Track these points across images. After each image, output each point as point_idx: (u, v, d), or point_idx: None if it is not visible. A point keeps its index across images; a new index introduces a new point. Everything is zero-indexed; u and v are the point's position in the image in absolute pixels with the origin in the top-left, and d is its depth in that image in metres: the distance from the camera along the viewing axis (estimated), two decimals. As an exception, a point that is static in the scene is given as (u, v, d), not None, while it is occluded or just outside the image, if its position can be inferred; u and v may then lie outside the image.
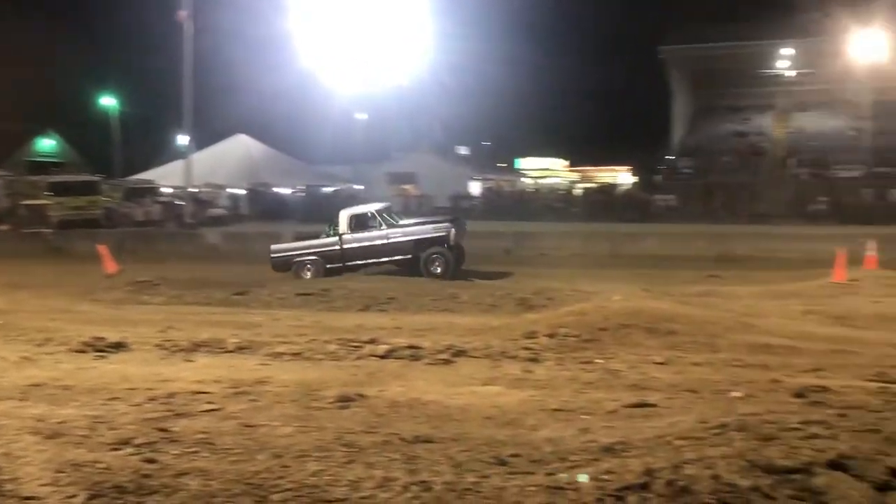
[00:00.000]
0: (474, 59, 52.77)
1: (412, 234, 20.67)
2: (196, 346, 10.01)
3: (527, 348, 9.58)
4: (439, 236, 20.48)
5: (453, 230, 20.54)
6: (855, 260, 18.95)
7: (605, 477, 4.49)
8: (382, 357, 9.29)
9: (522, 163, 78.38)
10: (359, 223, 20.78)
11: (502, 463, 5.03)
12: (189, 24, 37.28)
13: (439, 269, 19.91)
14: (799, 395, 6.77)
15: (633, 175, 70.34)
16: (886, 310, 13.94)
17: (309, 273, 20.35)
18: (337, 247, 20.59)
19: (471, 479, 4.68)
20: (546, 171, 77.64)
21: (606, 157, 76.20)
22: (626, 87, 70.86)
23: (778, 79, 58.90)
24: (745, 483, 4.10)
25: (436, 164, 60.84)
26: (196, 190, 43.66)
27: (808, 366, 8.62)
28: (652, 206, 46.59)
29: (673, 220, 39.87)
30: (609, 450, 5.15)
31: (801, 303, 14.98)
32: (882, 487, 4.24)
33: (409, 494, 4.46)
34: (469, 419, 6.36)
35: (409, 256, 20.29)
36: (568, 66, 65.46)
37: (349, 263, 20.42)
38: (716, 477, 4.18)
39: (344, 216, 21.01)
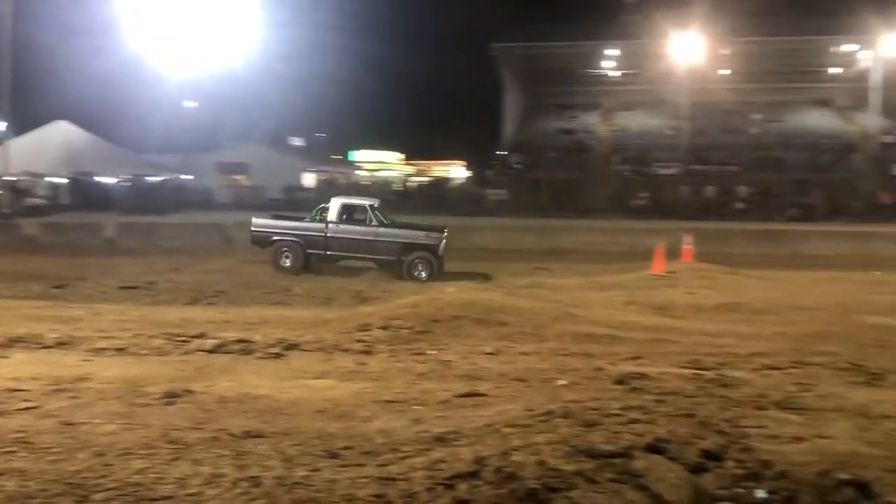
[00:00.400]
0: (308, 49, 52.40)
1: (402, 238, 20.06)
2: (11, 342, 9.46)
3: (360, 341, 9.58)
4: (430, 244, 19.89)
5: (444, 241, 20.01)
6: (673, 253, 19.92)
7: (437, 466, 4.54)
8: (211, 352, 9.06)
9: (357, 155, 78.17)
10: (350, 215, 20.25)
11: (334, 456, 5.01)
12: (5, 4, 35.30)
13: (424, 274, 19.45)
14: (620, 381, 7.05)
15: (467, 169, 71.48)
16: (700, 300, 14.78)
17: (287, 261, 19.87)
18: (322, 234, 19.97)
19: (301, 472, 4.65)
20: (381, 163, 77.78)
21: (441, 151, 77.04)
22: (460, 83, 71.95)
23: (603, 79, 61.19)
24: (569, 468, 4.24)
25: (268, 154, 59.91)
26: (13, 178, 41.41)
27: (629, 354, 8.99)
28: (484, 200, 47.45)
29: (504, 214, 40.76)
30: (441, 439, 5.22)
31: (623, 294, 15.67)
32: (696, 469, 4.51)
33: (238, 490, 4.39)
34: (300, 413, 6.30)
35: (394, 258, 19.75)
36: (403, 59, 65.90)
37: (330, 253, 19.97)
38: (541, 463, 4.31)
39: (336, 204, 20.31)
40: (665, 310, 13.77)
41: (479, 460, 4.45)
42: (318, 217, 20.56)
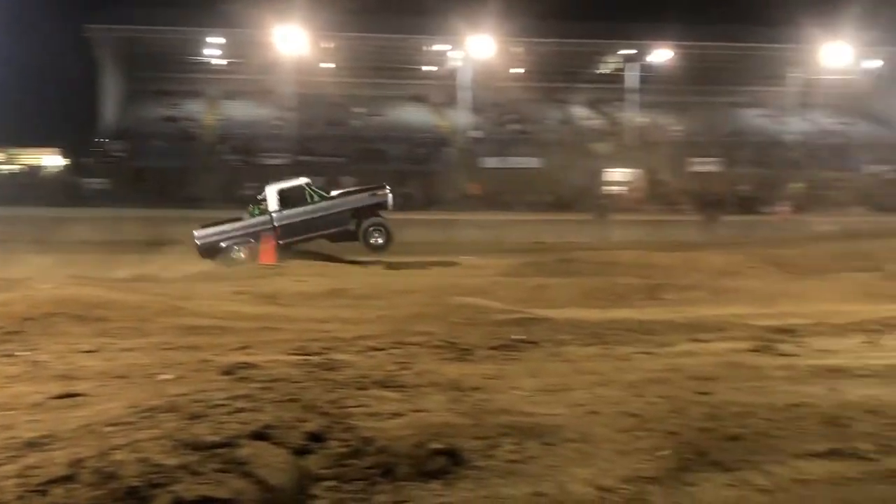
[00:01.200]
0: None
1: (350, 204, 19.81)
2: None
3: (-62, 345, 8.69)
4: (379, 202, 19.87)
5: (390, 195, 19.89)
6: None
7: (29, 473, 4.27)
8: None
9: (-73, 141, 69.94)
10: (289, 198, 19.53)
11: None
12: None
13: (381, 241, 19.44)
14: (227, 372, 7.02)
15: (63, 157, 66.83)
16: (308, 288, 15.21)
17: (243, 255, 18.87)
18: (269, 225, 19.18)
19: None
20: (-41, 151, 70.34)
21: (31, 137, 71.11)
22: (51, 65, 66.85)
23: (207, 66, 60.21)
24: (172, 462, 4.17)
25: None
26: None
27: (237, 344, 8.98)
28: (82, 189, 45.08)
29: (105, 204, 38.94)
30: (33, 444, 4.89)
31: (232, 284, 15.68)
32: (300, 451, 4.65)
33: None
34: None
35: (348, 227, 19.49)
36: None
37: (283, 242, 19.09)
38: (144, 460, 4.20)
39: (272, 192, 19.58)
40: (274, 298, 13.97)
41: (76, 462, 4.24)
42: (257, 212, 19.86)
